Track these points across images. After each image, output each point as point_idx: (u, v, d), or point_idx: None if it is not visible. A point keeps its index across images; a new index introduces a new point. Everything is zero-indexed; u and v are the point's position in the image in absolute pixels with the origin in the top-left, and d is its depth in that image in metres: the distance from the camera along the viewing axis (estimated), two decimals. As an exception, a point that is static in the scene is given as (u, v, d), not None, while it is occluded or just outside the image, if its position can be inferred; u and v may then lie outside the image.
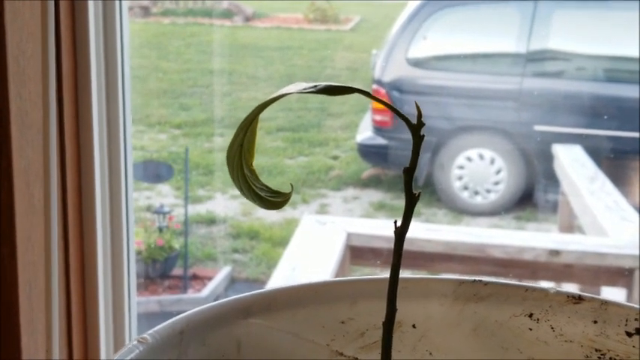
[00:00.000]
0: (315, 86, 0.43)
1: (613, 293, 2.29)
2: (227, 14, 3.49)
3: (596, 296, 0.57)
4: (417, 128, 0.44)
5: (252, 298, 0.56)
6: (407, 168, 0.45)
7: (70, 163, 0.98)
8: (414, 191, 0.46)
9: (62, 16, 0.96)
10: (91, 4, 1.00)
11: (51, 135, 0.85)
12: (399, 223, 0.46)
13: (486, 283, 0.59)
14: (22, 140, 0.85)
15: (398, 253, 0.45)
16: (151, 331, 0.52)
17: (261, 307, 0.56)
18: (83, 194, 1.01)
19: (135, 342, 0.50)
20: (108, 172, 1.04)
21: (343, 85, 0.44)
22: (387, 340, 0.46)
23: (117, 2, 1.05)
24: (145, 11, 3.35)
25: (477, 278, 0.60)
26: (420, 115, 0.45)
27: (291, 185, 0.46)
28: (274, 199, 0.46)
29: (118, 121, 1.03)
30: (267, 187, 0.46)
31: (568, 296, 0.58)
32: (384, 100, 0.47)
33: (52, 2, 0.86)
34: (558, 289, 0.58)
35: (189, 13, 3.52)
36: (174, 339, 0.52)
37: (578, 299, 0.57)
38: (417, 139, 0.44)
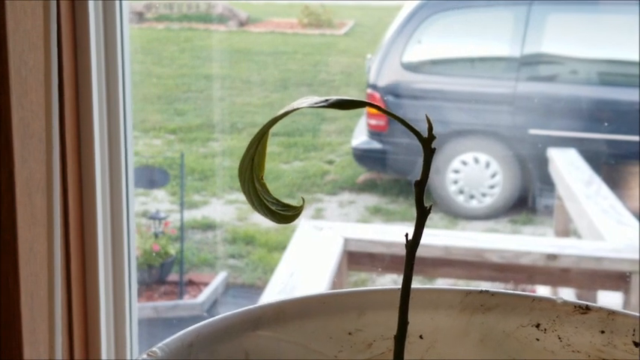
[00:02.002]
0: (327, 100, 0.43)
1: (610, 297, 2.30)
2: (221, 19, 3.49)
3: (604, 306, 0.57)
4: (427, 141, 0.44)
5: (261, 310, 0.56)
6: (418, 181, 0.45)
7: (72, 173, 0.98)
8: (425, 204, 0.46)
9: (63, 22, 0.96)
10: (91, 5, 0.99)
11: (54, 145, 0.85)
12: (410, 236, 0.46)
13: (493, 294, 0.59)
14: (24, 150, 0.84)
15: (410, 265, 0.45)
16: (160, 344, 0.51)
17: (270, 318, 0.56)
18: (84, 203, 1.01)
19: (144, 355, 0.50)
20: (109, 181, 1.04)
21: (355, 99, 0.44)
22: (399, 354, 0.46)
23: (117, 3, 1.04)
24: (140, 17, 3.35)
25: (484, 289, 0.60)
26: (430, 128, 0.45)
27: (303, 199, 0.46)
28: (285, 213, 0.46)
29: (118, 129, 1.03)
30: (278, 200, 0.46)
31: (575, 306, 0.58)
32: (392, 112, 0.47)
33: (55, 8, 0.85)
34: (565, 299, 0.58)
35: (184, 18, 3.52)
36: (183, 352, 0.52)
37: (585, 309, 0.57)
38: (429, 152, 0.44)
